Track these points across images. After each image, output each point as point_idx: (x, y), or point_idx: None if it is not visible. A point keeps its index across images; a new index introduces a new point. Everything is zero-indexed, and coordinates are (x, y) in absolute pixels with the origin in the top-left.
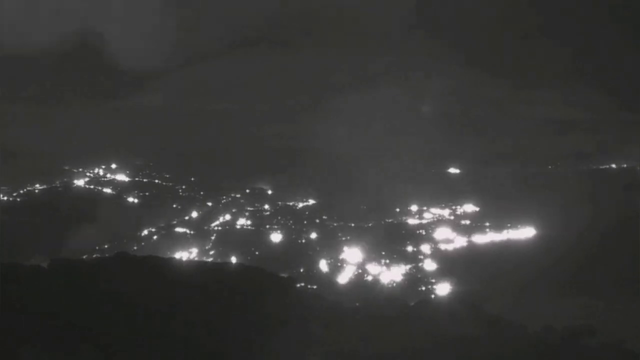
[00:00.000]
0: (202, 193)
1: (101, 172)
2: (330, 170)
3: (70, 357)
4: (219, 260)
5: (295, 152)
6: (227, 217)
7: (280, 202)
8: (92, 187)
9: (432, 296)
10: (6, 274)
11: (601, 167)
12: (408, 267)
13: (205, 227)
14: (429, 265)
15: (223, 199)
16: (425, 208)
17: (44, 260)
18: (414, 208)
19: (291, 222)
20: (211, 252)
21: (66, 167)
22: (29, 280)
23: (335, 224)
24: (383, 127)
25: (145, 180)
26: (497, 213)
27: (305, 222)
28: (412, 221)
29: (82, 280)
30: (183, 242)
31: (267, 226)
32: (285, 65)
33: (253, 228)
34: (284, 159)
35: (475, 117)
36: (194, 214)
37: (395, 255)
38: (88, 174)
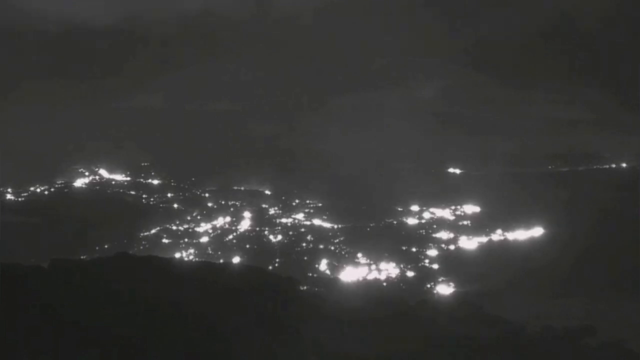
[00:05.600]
0: (202, 193)
1: (101, 172)
2: (330, 171)
3: (70, 357)
4: (219, 260)
5: (295, 152)
6: (228, 217)
7: (280, 203)
8: (92, 187)
9: (433, 296)
10: (6, 274)
11: (601, 167)
12: (408, 267)
13: (206, 227)
14: (430, 265)
15: (223, 199)
16: (425, 208)
17: (44, 260)
18: (414, 208)
19: (291, 222)
20: (212, 253)
21: (66, 167)
22: (29, 280)
23: (335, 225)
24: (383, 127)
25: (145, 180)
26: (497, 213)
27: (305, 222)
28: (412, 221)
29: (82, 280)
30: (183, 242)
31: (268, 226)
32: (285, 66)
33: (253, 228)
34: (284, 159)
35: (475, 117)
36: (194, 214)
37: (396, 255)
38: (88, 174)
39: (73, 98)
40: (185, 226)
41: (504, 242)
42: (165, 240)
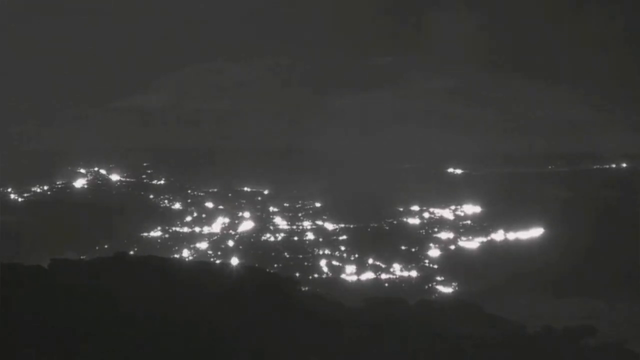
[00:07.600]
0: (201, 193)
1: (101, 172)
2: (330, 171)
3: (70, 358)
4: (219, 260)
5: (295, 152)
6: (227, 217)
7: (280, 203)
8: (92, 187)
9: (433, 296)
10: (6, 274)
11: (601, 167)
12: (408, 267)
13: (206, 228)
14: (430, 265)
15: (224, 199)
16: (425, 208)
17: (44, 260)
18: (414, 208)
19: (291, 222)
20: (212, 253)
21: (66, 167)
22: (29, 280)
23: (335, 225)
24: (383, 127)
25: (145, 180)
26: (497, 213)
27: (305, 222)
28: (412, 221)
29: (82, 280)
30: (183, 242)
31: (268, 227)
32: (284, 65)
33: (253, 228)
34: (284, 159)
35: (475, 117)
36: (194, 214)
37: (396, 255)
38: (88, 174)
39: (73, 98)
40: (186, 227)
41: (505, 242)
42: (165, 241)
